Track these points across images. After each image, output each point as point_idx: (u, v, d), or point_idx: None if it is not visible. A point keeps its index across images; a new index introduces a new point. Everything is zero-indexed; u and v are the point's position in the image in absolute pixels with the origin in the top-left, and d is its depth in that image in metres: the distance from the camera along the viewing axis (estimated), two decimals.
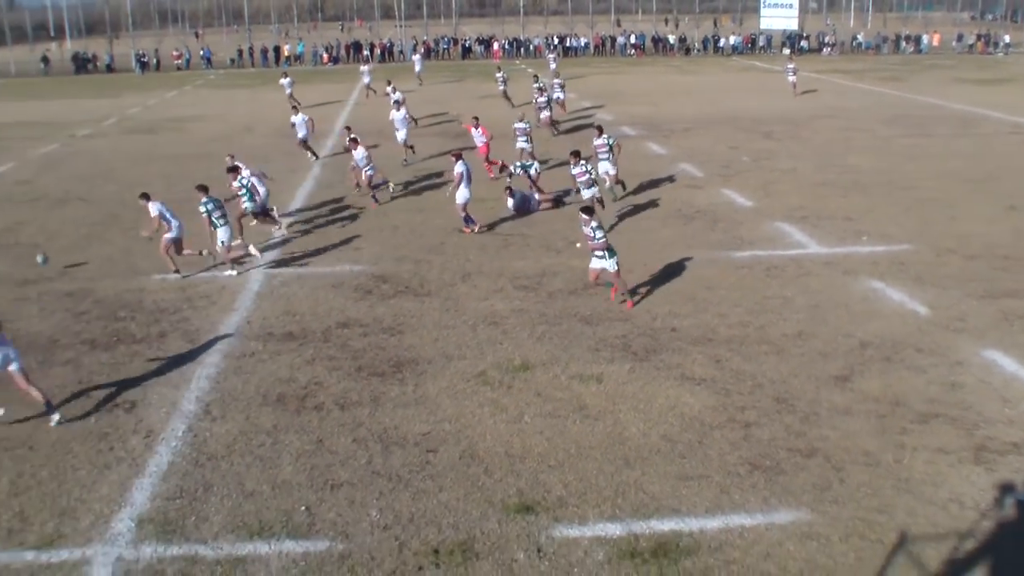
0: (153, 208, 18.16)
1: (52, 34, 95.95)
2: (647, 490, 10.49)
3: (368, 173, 24.10)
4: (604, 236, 15.93)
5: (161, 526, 9.95)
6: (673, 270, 18.19)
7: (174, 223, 18.24)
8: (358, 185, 24.88)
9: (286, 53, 77.27)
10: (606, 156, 23.29)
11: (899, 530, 9.71)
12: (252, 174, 21.11)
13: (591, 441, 11.59)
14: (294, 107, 32.38)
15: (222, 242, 18.27)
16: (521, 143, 26.82)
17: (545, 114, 34.82)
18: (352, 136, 25.15)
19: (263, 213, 20.94)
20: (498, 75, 43.81)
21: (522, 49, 76.24)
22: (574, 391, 12.96)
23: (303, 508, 10.24)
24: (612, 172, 23.36)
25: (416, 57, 58.25)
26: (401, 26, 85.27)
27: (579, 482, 10.67)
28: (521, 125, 26.92)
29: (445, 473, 10.92)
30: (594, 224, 15.79)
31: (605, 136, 23.37)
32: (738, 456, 11.19)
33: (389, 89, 37.82)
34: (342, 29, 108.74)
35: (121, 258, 20.06)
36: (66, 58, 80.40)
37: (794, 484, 10.52)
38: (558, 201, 23.41)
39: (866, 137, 33.05)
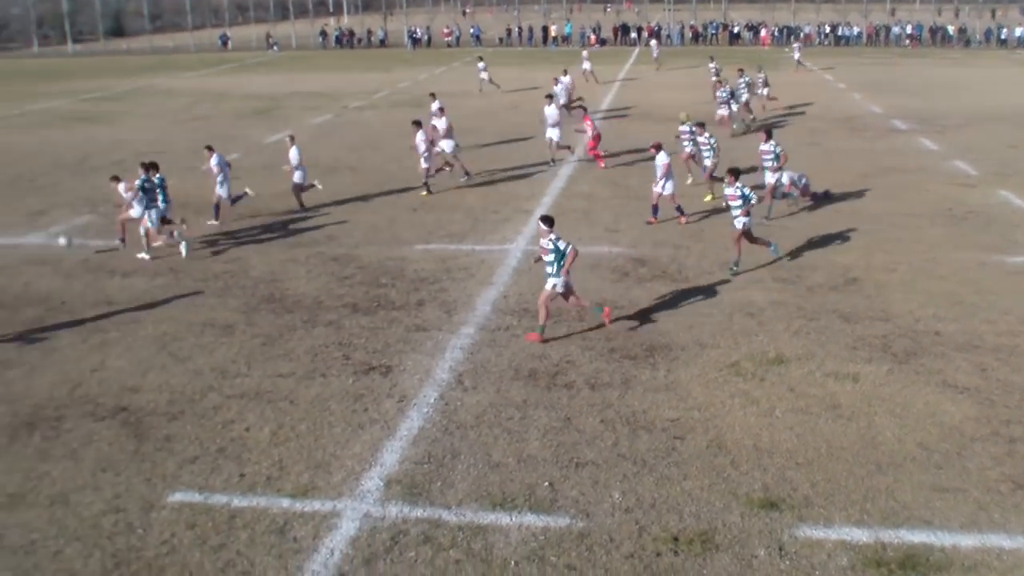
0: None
1: (331, 9, 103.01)
2: (898, 498, 10.19)
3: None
4: (561, 249, 14.32)
5: (408, 488, 10.68)
6: (939, 271, 17.54)
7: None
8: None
9: (553, 33, 78.98)
10: (770, 163, 21.43)
11: None
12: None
13: (842, 442, 11.38)
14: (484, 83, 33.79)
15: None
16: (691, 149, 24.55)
17: (722, 111, 32.92)
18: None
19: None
20: (711, 65, 41.58)
21: (791, 36, 74.26)
22: (828, 389, 12.76)
23: (546, 484, 10.68)
24: (771, 182, 21.41)
25: (653, 43, 59.75)
26: (670, 10, 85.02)
27: (827, 483, 10.51)
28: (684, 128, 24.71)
29: (691, 461, 11.05)
30: (553, 236, 14.37)
31: (772, 143, 21.54)
32: (1000, 472, 10.65)
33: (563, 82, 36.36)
34: (606, 11, 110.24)
35: (385, 227, 21.51)
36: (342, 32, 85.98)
37: None
38: (818, 196, 22.74)
39: None
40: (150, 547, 9.65)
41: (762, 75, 37.93)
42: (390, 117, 37.87)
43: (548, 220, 14.64)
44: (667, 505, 10.20)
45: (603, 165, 27.11)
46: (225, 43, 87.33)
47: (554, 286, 14.54)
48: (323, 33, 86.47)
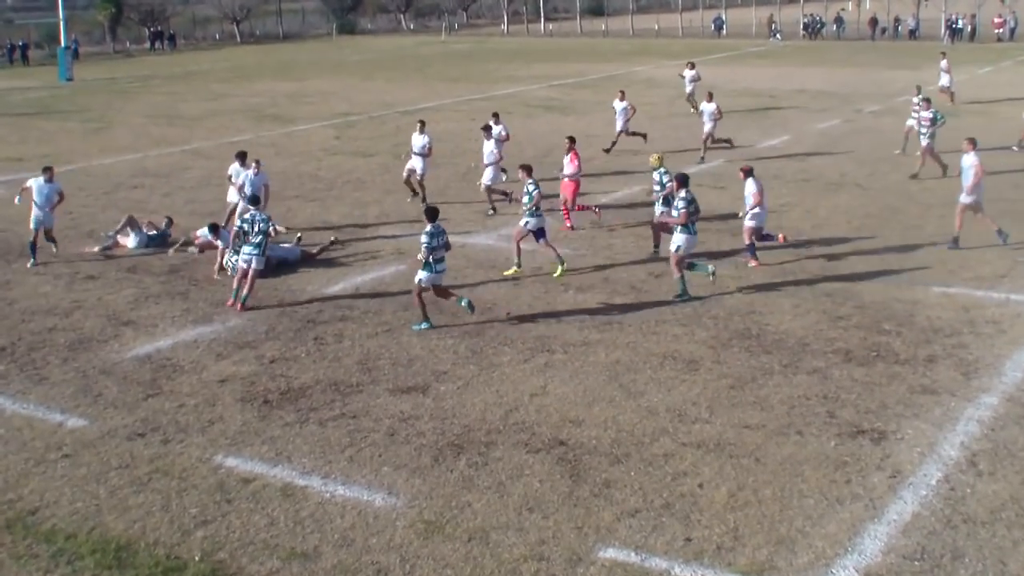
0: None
1: None
2: None
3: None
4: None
5: None
6: None
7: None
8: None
9: None
10: None
11: None
12: None
13: None
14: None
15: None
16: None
17: (926, 141, 28.89)
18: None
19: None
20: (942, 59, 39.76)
21: None
22: None
23: None
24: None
25: None
26: None
27: None
28: None
29: None
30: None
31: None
32: None
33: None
34: None
35: (895, 260, 20.99)
36: (862, 20, 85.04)
37: None
38: None
39: None
40: None
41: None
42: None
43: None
44: None
45: (597, 214, 24.40)
46: (719, 28, 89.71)
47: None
48: (838, 20, 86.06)
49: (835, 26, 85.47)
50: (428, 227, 17.63)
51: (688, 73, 41.93)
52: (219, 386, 15.49)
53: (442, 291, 18.08)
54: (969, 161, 21.42)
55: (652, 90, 50.15)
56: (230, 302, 19.11)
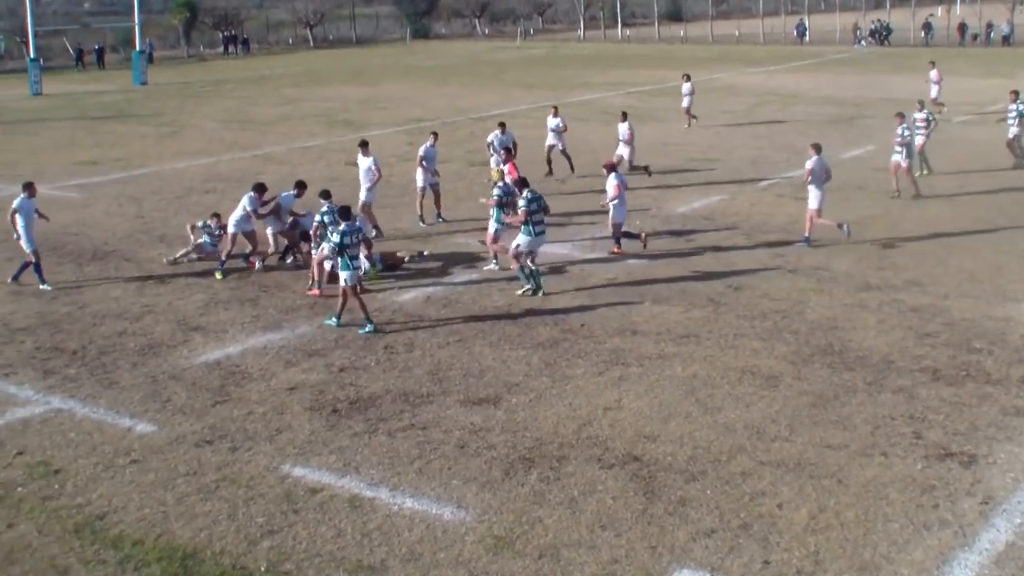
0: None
1: None
2: None
3: None
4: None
5: None
6: None
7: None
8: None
9: None
10: None
11: None
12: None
13: None
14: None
15: None
16: None
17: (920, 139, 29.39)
18: None
19: None
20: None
21: None
22: None
23: None
24: None
25: None
26: None
27: None
28: None
29: None
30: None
31: None
32: None
33: None
34: None
35: (988, 276, 20.62)
36: (951, 26, 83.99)
37: None
38: None
39: None
40: None
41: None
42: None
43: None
44: None
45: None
46: (802, 34, 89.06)
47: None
48: (927, 25, 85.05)
49: (923, 32, 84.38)
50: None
51: (686, 86, 41.12)
52: (288, 394, 15.58)
53: (359, 292, 18.48)
54: None
55: (731, 97, 49.87)
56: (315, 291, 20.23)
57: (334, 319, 18.50)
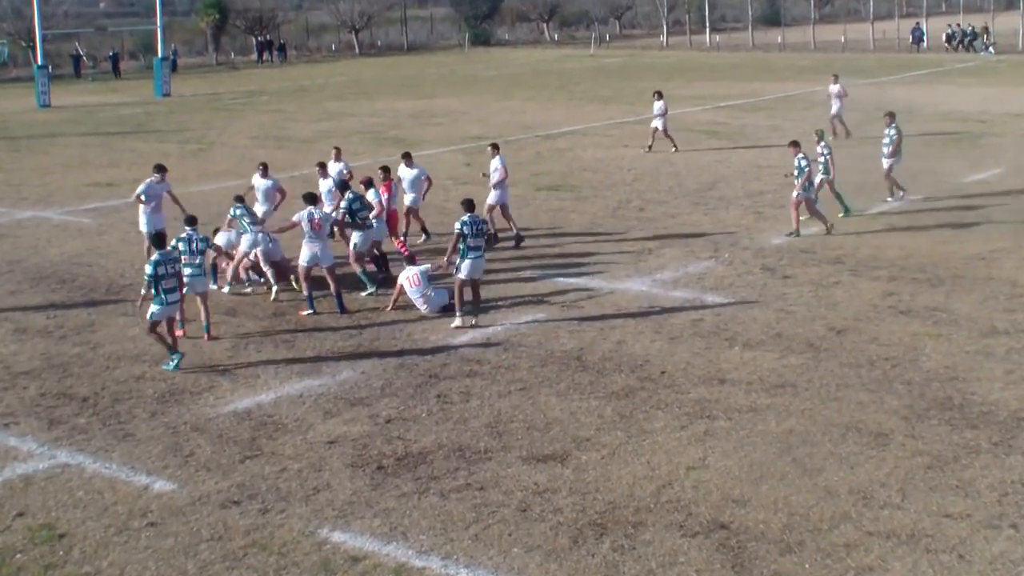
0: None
1: None
2: None
3: None
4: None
5: None
6: None
7: None
8: None
9: None
10: None
11: None
12: None
13: None
14: None
15: None
16: None
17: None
18: None
19: None
20: None
21: None
22: None
23: None
24: None
25: None
26: None
27: None
28: None
29: None
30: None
31: None
32: None
33: None
34: None
35: None
36: None
37: None
38: None
39: None
40: None
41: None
42: None
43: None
44: None
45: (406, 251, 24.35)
46: (918, 40, 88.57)
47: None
48: None
49: None
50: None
51: (658, 104, 40.36)
52: (327, 448, 15.68)
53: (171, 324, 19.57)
54: None
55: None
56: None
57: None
